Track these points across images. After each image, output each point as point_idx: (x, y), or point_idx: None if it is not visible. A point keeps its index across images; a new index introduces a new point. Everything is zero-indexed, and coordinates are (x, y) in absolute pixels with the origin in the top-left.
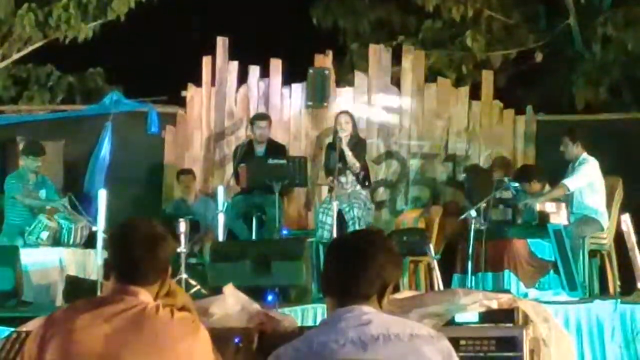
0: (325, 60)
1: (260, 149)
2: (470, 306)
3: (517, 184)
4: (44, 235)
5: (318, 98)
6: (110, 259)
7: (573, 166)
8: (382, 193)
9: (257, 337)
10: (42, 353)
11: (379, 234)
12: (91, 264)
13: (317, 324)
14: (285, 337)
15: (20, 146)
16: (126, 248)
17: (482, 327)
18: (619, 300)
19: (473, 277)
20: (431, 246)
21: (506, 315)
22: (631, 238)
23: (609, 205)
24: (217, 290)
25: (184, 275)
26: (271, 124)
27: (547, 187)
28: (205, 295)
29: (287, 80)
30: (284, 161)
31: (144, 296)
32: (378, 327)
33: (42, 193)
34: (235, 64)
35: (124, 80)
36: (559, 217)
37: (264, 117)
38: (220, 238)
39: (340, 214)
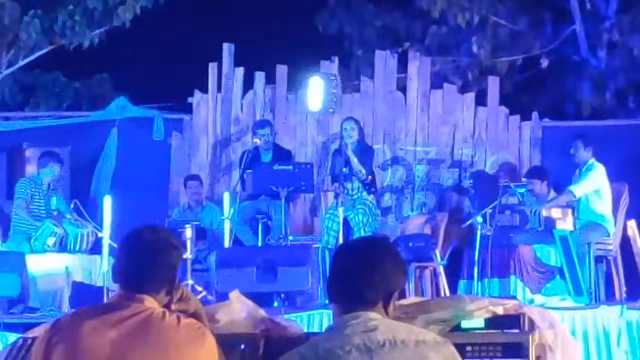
0: (331, 67)
1: (266, 155)
2: (476, 312)
3: (523, 190)
4: (51, 241)
5: (324, 104)
6: (116, 266)
7: (580, 172)
8: (388, 199)
9: (262, 343)
10: (48, 359)
11: (384, 240)
12: (97, 269)
13: (323, 330)
14: (291, 343)
15: (27, 153)
16: (129, 256)
17: (488, 333)
18: (625, 305)
19: (479, 283)
20: (437, 252)
21: (512, 321)
22: (637, 244)
23: (614, 211)
24: (223, 296)
25: (190, 282)
26: (273, 128)
27: (553, 192)
28: (211, 302)
29: (293, 86)
30: (290, 167)
31: (150, 303)
32: (384, 333)
33: (53, 201)
34: (241, 70)
35: (130, 87)
36: (565, 223)
37: (263, 124)
38: (226, 244)
39: (346, 220)
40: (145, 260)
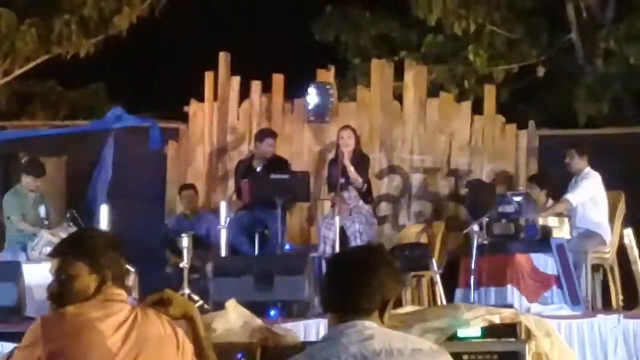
0: (327, 75)
1: (262, 164)
2: (473, 321)
3: (519, 198)
4: (47, 250)
5: (320, 113)
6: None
7: (576, 180)
8: (384, 208)
9: (259, 352)
10: None
11: (379, 249)
12: None
13: (319, 339)
14: (288, 352)
15: (23, 162)
16: (115, 252)
17: (485, 341)
18: (621, 314)
19: (476, 292)
20: (434, 261)
21: (509, 330)
22: (634, 252)
23: (611, 219)
24: (219, 306)
25: (187, 291)
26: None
27: (550, 201)
28: (207, 311)
29: (290, 95)
30: (286, 176)
31: (125, 297)
32: (380, 342)
33: (42, 209)
34: (237, 79)
35: (126, 96)
36: (561, 231)
37: (274, 134)
38: (223, 253)
39: (342, 229)
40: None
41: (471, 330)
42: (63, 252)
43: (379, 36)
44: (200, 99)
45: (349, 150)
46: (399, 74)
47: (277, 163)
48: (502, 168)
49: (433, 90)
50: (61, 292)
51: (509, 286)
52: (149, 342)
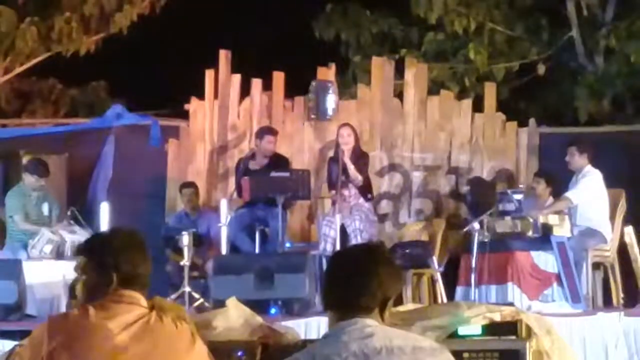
0: (328, 73)
1: (263, 162)
2: (474, 319)
3: (520, 196)
4: (48, 248)
5: (321, 111)
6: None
7: (577, 178)
8: (385, 205)
9: (260, 350)
10: None
11: (379, 247)
12: None
13: (320, 337)
14: (288, 350)
15: (24, 160)
16: (130, 256)
17: (486, 339)
18: (622, 312)
19: (476, 290)
20: (434, 258)
21: (509, 328)
22: (634, 250)
23: (612, 217)
24: (220, 304)
25: (187, 289)
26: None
27: (551, 199)
28: (208, 309)
29: (290, 93)
30: (287, 174)
31: (143, 302)
32: (381, 340)
33: (44, 207)
34: (237, 77)
35: (127, 94)
36: (562, 229)
37: (273, 131)
38: (224, 251)
39: (342, 227)
40: (142, 257)
41: (472, 328)
42: (80, 252)
43: (380, 34)
44: (201, 96)
45: (348, 148)
46: (399, 72)
47: (278, 161)
48: (502, 166)
49: (433, 88)
50: (75, 290)
51: (509, 284)
52: (160, 344)
